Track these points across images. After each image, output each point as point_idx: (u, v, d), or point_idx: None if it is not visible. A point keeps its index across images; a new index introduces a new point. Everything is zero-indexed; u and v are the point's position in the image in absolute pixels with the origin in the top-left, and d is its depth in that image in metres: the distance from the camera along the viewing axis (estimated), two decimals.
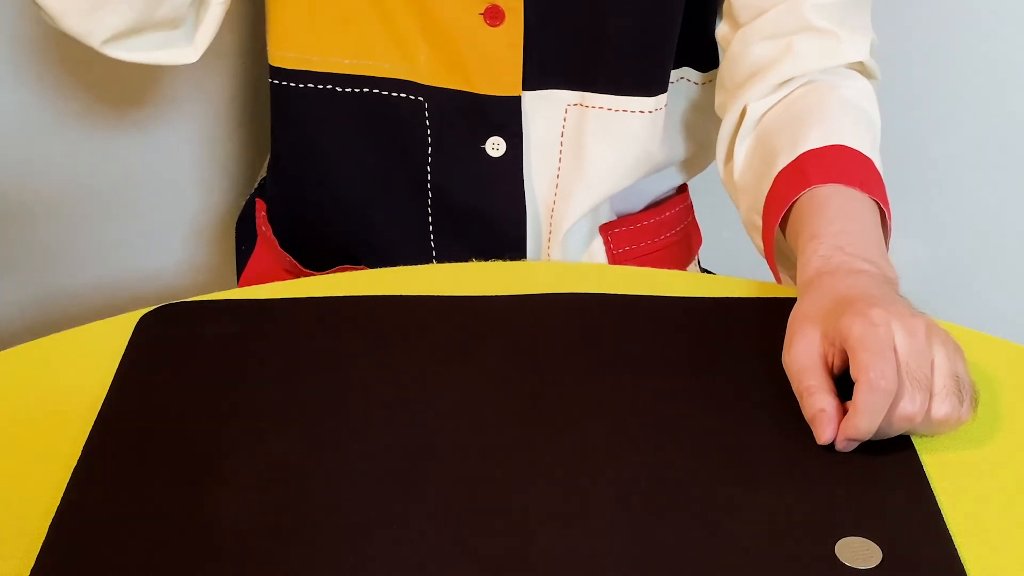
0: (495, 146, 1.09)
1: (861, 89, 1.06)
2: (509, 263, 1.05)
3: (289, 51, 1.10)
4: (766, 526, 0.76)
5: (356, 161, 1.14)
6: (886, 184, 1.00)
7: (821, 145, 0.99)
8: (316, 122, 1.13)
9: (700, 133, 1.18)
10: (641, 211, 1.21)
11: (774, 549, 0.75)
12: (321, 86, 1.11)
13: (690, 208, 1.28)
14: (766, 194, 1.00)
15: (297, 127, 1.14)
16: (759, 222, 1.02)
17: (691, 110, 1.16)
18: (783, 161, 1.00)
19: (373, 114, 1.11)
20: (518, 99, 1.08)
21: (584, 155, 1.11)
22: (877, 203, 0.97)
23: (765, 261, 1.03)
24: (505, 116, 1.08)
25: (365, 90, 1.10)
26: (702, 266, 1.33)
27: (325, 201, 1.17)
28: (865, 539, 0.75)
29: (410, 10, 1.06)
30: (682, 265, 1.26)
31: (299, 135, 1.14)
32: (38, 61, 1.53)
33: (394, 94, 1.10)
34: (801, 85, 1.05)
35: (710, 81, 1.16)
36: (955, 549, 0.75)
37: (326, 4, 1.08)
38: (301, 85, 1.11)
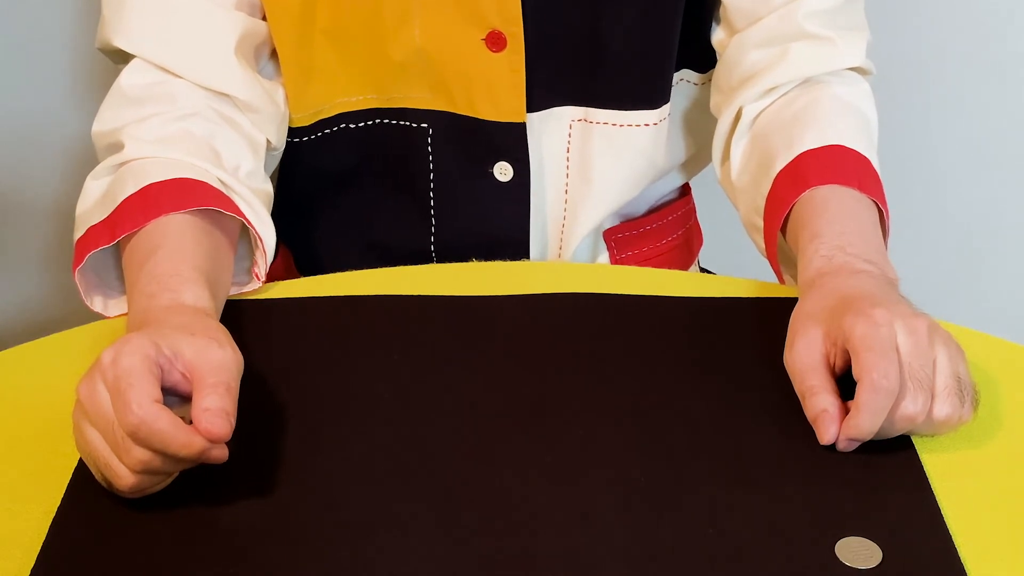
0: (503, 171, 1.09)
1: (857, 89, 1.05)
2: (509, 263, 1.05)
3: (296, 112, 1.08)
4: (766, 526, 0.76)
5: (357, 190, 1.13)
6: (885, 183, 1.00)
7: (818, 145, 0.99)
8: (317, 160, 1.11)
9: (701, 131, 1.17)
10: (645, 215, 1.20)
11: (774, 549, 0.75)
12: (328, 130, 1.10)
13: (692, 211, 1.27)
14: (766, 196, 1.00)
15: (300, 170, 1.13)
16: (760, 223, 1.02)
17: (692, 109, 1.16)
18: (781, 162, 1.00)
19: (376, 142, 1.10)
20: (523, 125, 1.07)
21: (591, 171, 1.11)
22: (875, 203, 0.97)
23: (765, 261, 1.03)
24: (511, 141, 1.08)
25: (369, 123, 1.09)
26: (702, 266, 1.33)
27: (319, 239, 1.16)
28: (865, 539, 0.75)
29: (410, 38, 1.05)
30: (683, 267, 1.25)
31: (302, 173, 1.13)
32: (38, 62, 1.53)
33: (395, 122, 1.09)
34: (796, 86, 1.05)
35: (710, 80, 1.16)
36: (955, 549, 0.75)
37: (323, 54, 1.06)
38: (308, 137, 1.10)
